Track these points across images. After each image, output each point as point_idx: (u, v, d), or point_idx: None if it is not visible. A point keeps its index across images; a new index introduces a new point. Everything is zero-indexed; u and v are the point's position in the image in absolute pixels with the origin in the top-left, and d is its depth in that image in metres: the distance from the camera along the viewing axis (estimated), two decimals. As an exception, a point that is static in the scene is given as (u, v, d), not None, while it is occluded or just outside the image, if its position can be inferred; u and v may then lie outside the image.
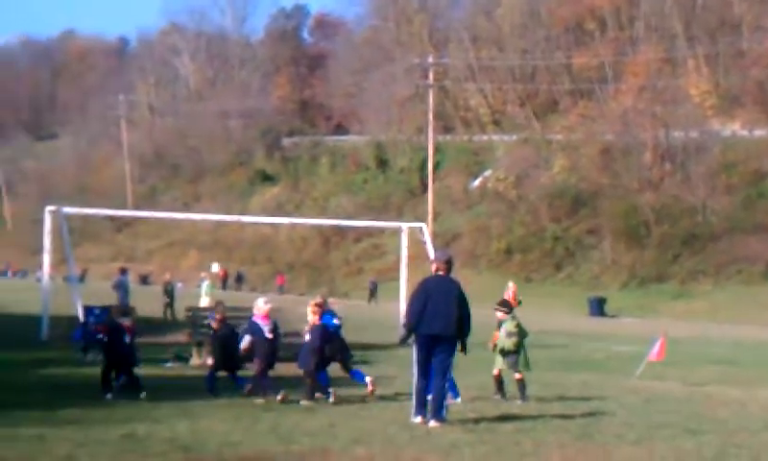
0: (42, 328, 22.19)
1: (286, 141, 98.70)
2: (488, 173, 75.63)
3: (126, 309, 15.19)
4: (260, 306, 13.67)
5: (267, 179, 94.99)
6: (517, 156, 72.69)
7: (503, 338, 14.28)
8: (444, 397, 11.27)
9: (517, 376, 14.32)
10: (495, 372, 14.37)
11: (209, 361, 15.13)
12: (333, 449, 9.38)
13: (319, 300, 14.43)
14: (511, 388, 14.24)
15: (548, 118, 77.76)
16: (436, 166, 70.16)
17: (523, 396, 14.06)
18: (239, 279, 72.57)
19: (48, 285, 23.50)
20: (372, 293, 57.80)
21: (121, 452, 8.92)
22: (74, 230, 44.06)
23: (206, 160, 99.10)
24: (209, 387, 13.56)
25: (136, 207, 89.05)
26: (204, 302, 30.62)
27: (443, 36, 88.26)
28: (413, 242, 28.30)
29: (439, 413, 11.05)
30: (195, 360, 18.02)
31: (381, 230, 67.42)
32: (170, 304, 33.02)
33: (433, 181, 66.57)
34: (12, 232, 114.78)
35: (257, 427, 10.58)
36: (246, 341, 13.26)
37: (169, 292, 34.05)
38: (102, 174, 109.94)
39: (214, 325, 14.35)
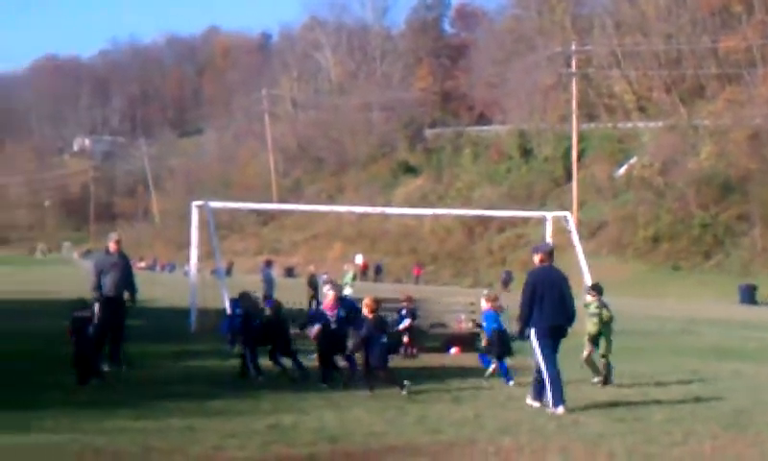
0: (191, 321, 22.73)
1: (429, 132, 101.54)
2: (633, 160, 76.16)
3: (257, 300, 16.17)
4: (327, 296, 14.89)
5: (410, 170, 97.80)
6: (664, 142, 73.27)
7: (587, 320, 14.87)
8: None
9: (584, 353, 14.93)
10: (584, 355, 14.85)
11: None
12: (480, 439, 9.71)
13: (492, 294, 15.99)
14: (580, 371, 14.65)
15: (695, 104, 77.65)
16: (580, 154, 70.73)
17: (599, 374, 14.71)
18: (378, 270, 74.87)
19: (196, 279, 23.85)
20: (506, 283, 58.75)
21: (269, 443, 9.32)
22: (220, 224, 45.10)
23: (349, 153, 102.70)
24: (323, 378, 14.20)
25: (281, 201, 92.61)
26: (348, 293, 29.94)
27: (585, 23, 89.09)
28: (557, 231, 28.12)
29: (542, 394, 12.02)
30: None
31: (525, 220, 68.34)
32: (315, 296, 32.41)
33: (577, 170, 67.41)
34: (159, 227, 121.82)
35: (404, 418, 10.96)
36: (314, 330, 14.30)
37: (314, 284, 34.14)
38: (246, 168, 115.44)
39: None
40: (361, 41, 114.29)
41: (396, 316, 19.27)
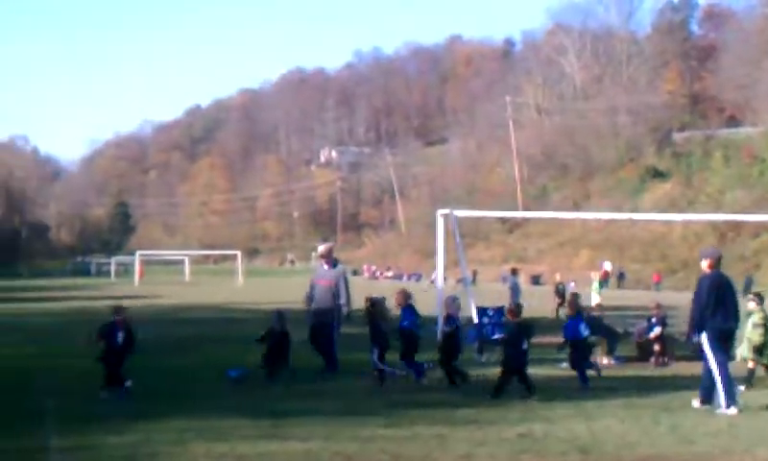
0: (438, 329, 25.12)
1: (677, 136, 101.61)
2: None
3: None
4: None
5: (658, 175, 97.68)
6: None
7: (749, 329, 15.31)
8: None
9: (750, 364, 15.54)
10: (750, 365, 15.44)
11: (604, 361, 18.45)
12: (735, 451, 9.90)
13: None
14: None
15: None
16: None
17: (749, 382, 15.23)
18: (621, 276, 74.89)
19: (442, 287, 24.10)
20: (747, 289, 58.58)
21: (519, 452, 9.71)
22: (465, 233, 45.74)
23: (595, 158, 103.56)
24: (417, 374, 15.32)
25: (526, 208, 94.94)
26: (595, 300, 31.22)
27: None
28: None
29: (711, 396, 12.76)
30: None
31: (780, 224, 67.51)
32: (562, 304, 32.96)
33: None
34: (405, 236, 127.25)
35: (656, 428, 11.22)
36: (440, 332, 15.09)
37: (560, 292, 34.90)
38: (491, 176, 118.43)
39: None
40: (606, 45, 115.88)
41: (645, 324, 20.08)
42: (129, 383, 13.66)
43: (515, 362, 13.71)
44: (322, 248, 17.79)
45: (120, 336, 13.84)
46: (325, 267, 17.19)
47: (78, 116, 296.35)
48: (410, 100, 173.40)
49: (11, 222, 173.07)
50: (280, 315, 15.92)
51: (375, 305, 15.76)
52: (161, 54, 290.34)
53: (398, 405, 12.85)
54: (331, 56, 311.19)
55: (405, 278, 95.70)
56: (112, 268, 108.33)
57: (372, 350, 15.30)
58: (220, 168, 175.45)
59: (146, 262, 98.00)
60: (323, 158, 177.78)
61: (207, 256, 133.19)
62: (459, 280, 35.78)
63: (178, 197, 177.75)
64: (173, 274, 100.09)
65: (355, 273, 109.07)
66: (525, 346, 13.83)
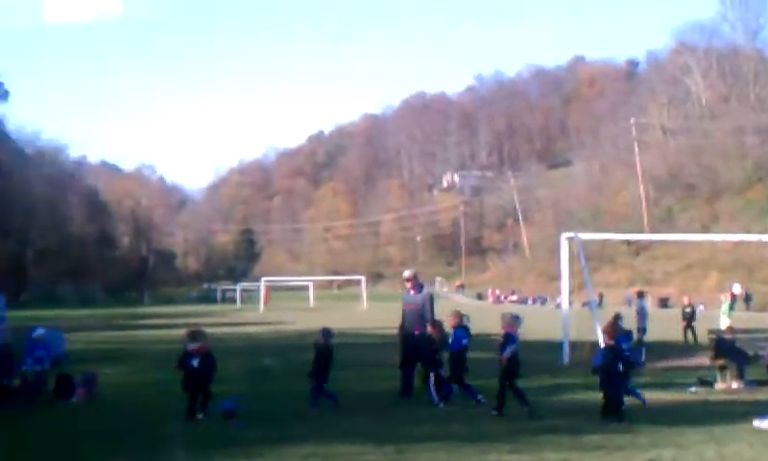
0: (563, 354, 23.16)
1: None
2: None
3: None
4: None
5: None
6: None
7: None
8: None
9: None
10: None
11: (734, 384, 18.14)
12: None
13: None
14: None
15: None
16: None
17: None
18: (747, 298, 72.33)
19: (567, 311, 24.15)
20: None
21: None
22: (591, 255, 45.70)
23: (722, 179, 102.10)
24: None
25: (653, 230, 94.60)
26: (725, 323, 30.32)
27: None
28: None
29: None
30: (720, 384, 18.44)
31: None
32: (690, 327, 33.24)
33: None
34: (529, 259, 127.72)
35: None
36: (508, 351, 14.68)
37: (687, 315, 34.49)
38: (616, 198, 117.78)
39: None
40: (732, 64, 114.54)
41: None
42: (201, 416, 13.86)
43: (608, 386, 13.84)
44: (407, 273, 17.83)
45: (195, 362, 14.11)
46: (412, 292, 17.33)
47: (203, 145, 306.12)
48: (532, 122, 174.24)
49: (138, 250, 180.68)
50: (327, 332, 15.94)
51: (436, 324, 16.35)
52: (285, 82, 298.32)
53: (523, 431, 12.81)
54: (453, 80, 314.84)
55: (530, 301, 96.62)
56: (238, 294, 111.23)
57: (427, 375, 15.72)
58: (343, 193, 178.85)
59: (271, 288, 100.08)
60: (445, 183, 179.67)
61: (331, 282, 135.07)
62: (585, 304, 35.22)
63: (301, 223, 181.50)
64: (297, 300, 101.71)
65: (480, 297, 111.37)
66: (620, 368, 13.95)
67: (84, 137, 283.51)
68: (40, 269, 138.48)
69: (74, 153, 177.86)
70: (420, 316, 16.82)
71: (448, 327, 16.21)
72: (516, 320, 15.20)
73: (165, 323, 50.76)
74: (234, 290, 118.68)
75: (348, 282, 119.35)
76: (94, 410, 15.25)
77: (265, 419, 14.13)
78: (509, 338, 14.77)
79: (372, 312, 68.58)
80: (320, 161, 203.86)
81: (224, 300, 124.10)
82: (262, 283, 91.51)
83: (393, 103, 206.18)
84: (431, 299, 17.26)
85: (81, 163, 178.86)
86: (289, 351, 29.40)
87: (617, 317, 18.04)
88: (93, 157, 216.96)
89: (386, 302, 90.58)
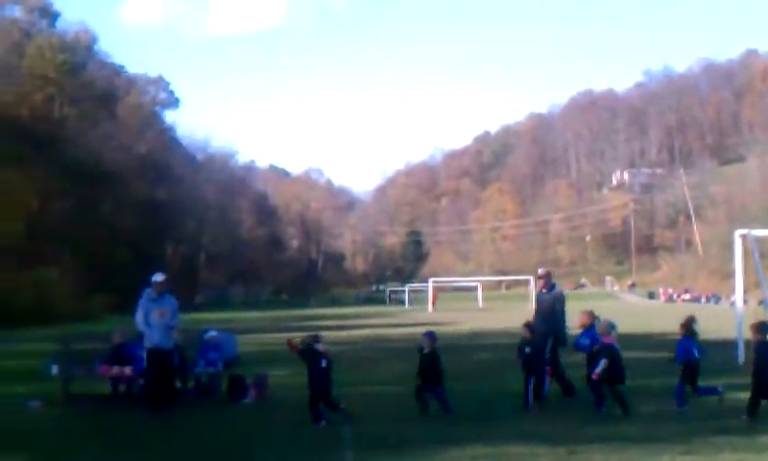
0: (738, 353, 22.46)
1: None
2: None
3: None
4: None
5: None
6: None
7: None
8: None
9: None
10: None
11: None
12: None
13: None
14: None
15: None
16: None
17: None
18: None
19: (742, 310, 23.30)
20: None
21: None
22: (766, 253, 44.90)
23: None
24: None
25: None
26: None
27: None
28: None
29: None
30: None
31: None
32: None
33: None
34: (702, 257, 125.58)
35: None
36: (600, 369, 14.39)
37: None
38: None
39: None
40: None
41: None
42: (323, 423, 13.80)
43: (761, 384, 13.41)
44: (540, 271, 17.99)
45: (324, 363, 14.09)
46: (544, 291, 17.49)
47: (369, 148, 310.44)
48: (704, 117, 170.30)
49: (307, 252, 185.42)
50: (431, 334, 15.53)
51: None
52: (451, 83, 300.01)
53: (696, 432, 12.51)
54: (620, 76, 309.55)
55: (703, 300, 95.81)
56: (406, 296, 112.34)
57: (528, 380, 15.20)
58: (510, 193, 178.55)
59: (439, 289, 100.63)
60: (614, 181, 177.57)
61: (499, 282, 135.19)
62: (761, 303, 33.49)
63: (469, 223, 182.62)
64: (466, 300, 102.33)
65: (651, 296, 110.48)
66: None
67: (252, 143, 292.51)
68: (212, 272, 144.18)
69: (243, 158, 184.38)
70: (550, 315, 16.80)
71: (578, 326, 15.88)
72: (611, 327, 14.85)
73: (334, 324, 51.62)
74: (402, 291, 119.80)
75: (516, 283, 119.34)
76: (265, 411, 15.64)
77: (433, 419, 14.17)
78: (605, 350, 14.42)
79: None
80: (486, 162, 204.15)
81: (391, 301, 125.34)
82: (430, 284, 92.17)
83: (559, 101, 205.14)
84: (562, 298, 17.27)
85: (250, 168, 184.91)
86: (456, 351, 29.14)
87: None
88: (262, 162, 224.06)
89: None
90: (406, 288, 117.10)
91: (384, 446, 11.95)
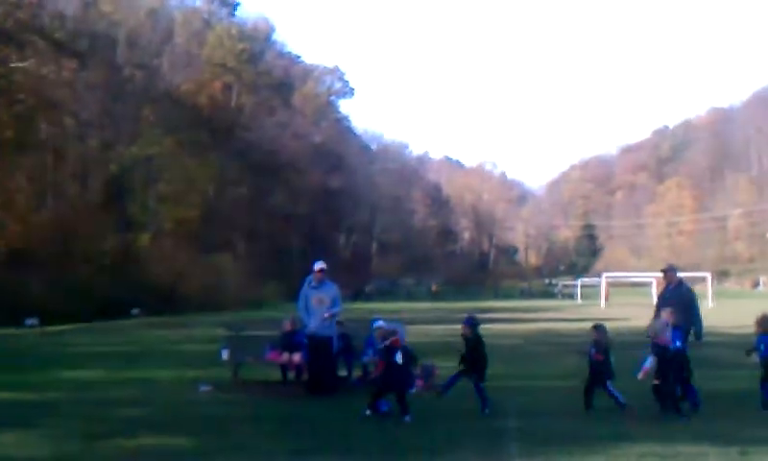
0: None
1: None
2: None
3: None
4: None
5: None
6: None
7: None
8: None
9: None
10: None
11: None
12: None
13: None
14: None
15: None
16: None
17: None
18: None
19: None
20: None
21: None
22: None
23: None
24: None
25: None
26: None
27: None
28: None
29: None
30: None
31: None
32: None
33: None
34: None
35: None
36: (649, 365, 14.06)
37: None
38: None
39: None
40: None
41: None
42: (368, 413, 13.79)
43: None
44: (665, 266, 17.74)
45: (399, 357, 13.96)
46: (670, 287, 17.04)
47: (543, 141, 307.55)
48: None
49: (479, 244, 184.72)
50: (471, 320, 15.15)
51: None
52: (628, 77, 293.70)
53: None
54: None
55: None
56: (578, 290, 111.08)
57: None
58: (687, 188, 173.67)
59: (612, 284, 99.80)
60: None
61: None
62: None
63: (644, 218, 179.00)
64: (639, 295, 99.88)
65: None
66: None
67: (426, 134, 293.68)
68: (383, 262, 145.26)
69: (417, 149, 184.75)
70: (682, 312, 15.64)
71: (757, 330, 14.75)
72: (664, 326, 14.26)
73: (505, 317, 51.17)
74: (574, 285, 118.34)
75: (692, 280, 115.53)
76: (432, 402, 15.31)
77: (599, 416, 13.89)
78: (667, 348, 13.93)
79: (719, 310, 65.44)
80: (664, 156, 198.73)
81: (562, 295, 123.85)
82: (603, 279, 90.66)
83: (742, 96, 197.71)
84: (690, 295, 16.70)
85: (423, 159, 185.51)
86: (630, 347, 28.98)
87: None
88: (435, 154, 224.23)
89: (733, 299, 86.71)
90: (578, 282, 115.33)
91: (551, 440, 11.75)
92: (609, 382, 14.41)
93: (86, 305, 52.59)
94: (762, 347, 14.39)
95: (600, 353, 14.63)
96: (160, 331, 41.18)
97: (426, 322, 44.53)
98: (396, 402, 13.71)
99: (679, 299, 16.26)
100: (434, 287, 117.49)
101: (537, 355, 25.90)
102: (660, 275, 18.31)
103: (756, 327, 14.75)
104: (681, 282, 17.02)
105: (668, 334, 14.14)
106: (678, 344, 14.46)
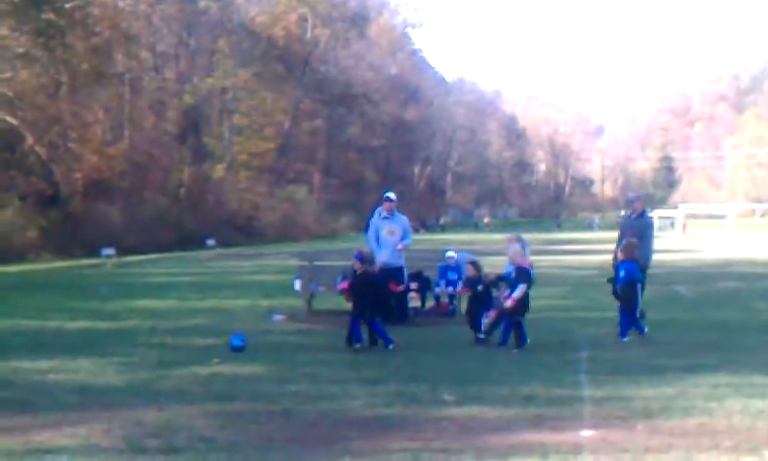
0: None
1: None
2: None
3: None
4: None
5: None
6: None
7: None
8: None
9: None
10: None
11: None
12: None
13: None
14: None
15: None
16: None
17: None
18: None
19: None
20: None
21: None
22: None
23: None
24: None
25: None
26: None
27: None
28: None
29: None
30: None
31: None
32: None
33: None
34: None
35: None
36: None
37: None
38: None
39: None
40: None
41: None
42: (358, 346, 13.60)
43: None
44: (631, 195, 18.38)
45: (481, 286, 14.41)
46: (632, 215, 17.31)
47: (622, 73, 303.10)
48: None
49: (555, 176, 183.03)
50: (475, 263, 15.26)
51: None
52: (709, 12, 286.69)
53: None
54: None
55: None
56: (656, 222, 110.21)
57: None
58: (767, 120, 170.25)
59: (690, 216, 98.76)
60: None
61: (753, 210, 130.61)
62: None
63: (723, 150, 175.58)
64: (717, 228, 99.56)
65: None
66: None
67: (504, 67, 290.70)
68: (458, 194, 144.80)
69: (494, 81, 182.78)
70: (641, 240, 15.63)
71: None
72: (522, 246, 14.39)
73: (581, 249, 51.66)
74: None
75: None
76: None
77: (674, 347, 13.77)
78: (521, 274, 13.87)
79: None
80: (744, 87, 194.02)
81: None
82: (681, 211, 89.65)
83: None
84: (646, 224, 17.00)
85: (499, 91, 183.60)
86: (705, 279, 28.98)
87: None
88: (512, 86, 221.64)
89: None
90: (655, 214, 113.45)
91: (620, 370, 11.62)
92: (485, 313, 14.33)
93: (162, 236, 53.42)
94: (622, 273, 14.53)
95: (467, 287, 15.06)
96: (235, 262, 41.76)
97: (499, 253, 44.06)
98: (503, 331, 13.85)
99: (637, 228, 16.34)
100: (486, 220, 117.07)
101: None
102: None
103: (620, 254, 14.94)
104: (643, 212, 17.26)
105: (528, 260, 14.20)
106: (622, 274, 14.55)
